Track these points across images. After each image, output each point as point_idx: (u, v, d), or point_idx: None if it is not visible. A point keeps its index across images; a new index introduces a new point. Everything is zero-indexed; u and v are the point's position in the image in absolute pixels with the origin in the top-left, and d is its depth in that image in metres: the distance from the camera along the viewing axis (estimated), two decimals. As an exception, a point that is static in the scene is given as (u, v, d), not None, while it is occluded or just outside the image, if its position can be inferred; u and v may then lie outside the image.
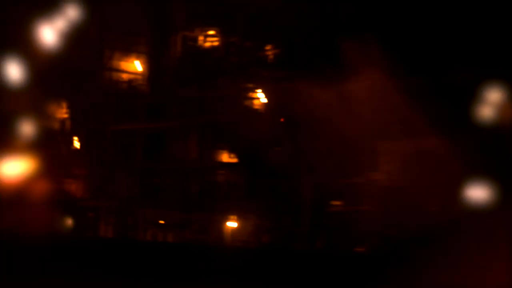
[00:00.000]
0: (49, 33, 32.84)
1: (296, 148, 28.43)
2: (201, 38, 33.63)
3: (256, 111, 31.36)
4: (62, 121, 35.94)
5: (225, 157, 32.02)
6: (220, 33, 33.13)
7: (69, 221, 33.80)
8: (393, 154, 26.50)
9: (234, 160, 31.62)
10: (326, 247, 27.69)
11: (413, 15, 27.10)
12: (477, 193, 25.34)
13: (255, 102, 31.53)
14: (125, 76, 36.14)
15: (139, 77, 36.11)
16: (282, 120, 29.69)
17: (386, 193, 26.58)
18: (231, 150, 31.74)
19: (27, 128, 33.37)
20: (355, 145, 26.83)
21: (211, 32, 33.43)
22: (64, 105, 35.89)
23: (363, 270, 23.82)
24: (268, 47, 31.57)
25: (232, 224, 30.22)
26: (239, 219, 30.03)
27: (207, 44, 33.45)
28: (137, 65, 36.16)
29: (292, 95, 28.85)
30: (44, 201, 32.44)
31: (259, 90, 31.44)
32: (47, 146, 34.11)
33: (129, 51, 36.28)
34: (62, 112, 35.94)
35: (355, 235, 26.88)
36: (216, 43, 33.22)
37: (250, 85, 31.54)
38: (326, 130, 26.88)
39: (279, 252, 27.28)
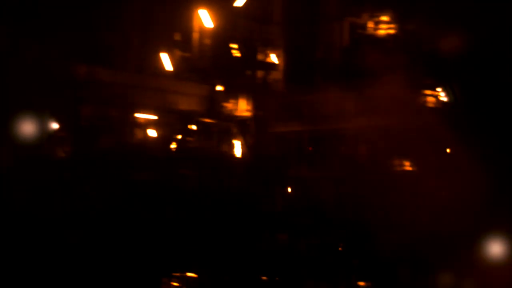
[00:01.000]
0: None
1: None
2: (370, 25, 29.28)
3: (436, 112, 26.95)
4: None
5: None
6: (394, 20, 28.74)
7: None
8: None
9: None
10: None
11: None
12: None
13: (436, 101, 27.25)
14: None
15: (278, 72, 31.80)
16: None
17: None
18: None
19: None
20: None
21: (384, 18, 29.02)
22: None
23: None
24: (450, 36, 26.82)
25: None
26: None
27: (379, 33, 29.17)
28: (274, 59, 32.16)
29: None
30: None
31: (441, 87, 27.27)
32: None
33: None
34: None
35: None
36: (389, 31, 28.91)
37: (430, 81, 27.37)
38: None
39: None
